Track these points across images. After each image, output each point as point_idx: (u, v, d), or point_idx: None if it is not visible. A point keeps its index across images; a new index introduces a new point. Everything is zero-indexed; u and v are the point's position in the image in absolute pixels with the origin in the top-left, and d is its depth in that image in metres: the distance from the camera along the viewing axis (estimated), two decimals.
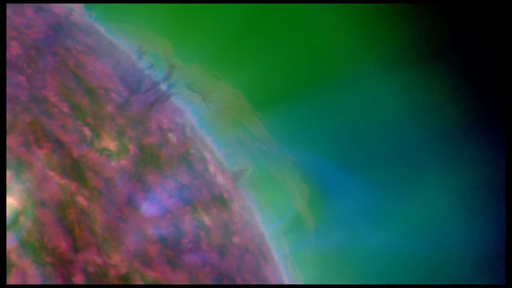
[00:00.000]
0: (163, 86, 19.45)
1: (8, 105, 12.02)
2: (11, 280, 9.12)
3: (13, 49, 14.32)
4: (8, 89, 12.43)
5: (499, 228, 29.50)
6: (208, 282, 14.00)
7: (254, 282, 17.29)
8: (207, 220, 16.71)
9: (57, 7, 19.87)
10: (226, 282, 15.00)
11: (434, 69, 31.28)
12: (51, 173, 11.47)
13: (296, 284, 27.04)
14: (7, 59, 13.51)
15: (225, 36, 37.49)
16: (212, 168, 21.92)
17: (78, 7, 22.93)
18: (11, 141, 11.30)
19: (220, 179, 21.90)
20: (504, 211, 27.92)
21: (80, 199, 11.73)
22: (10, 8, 15.94)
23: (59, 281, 9.83)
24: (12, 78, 13.02)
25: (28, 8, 17.18)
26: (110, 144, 14.14)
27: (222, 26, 37.03)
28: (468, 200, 33.07)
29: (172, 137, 19.27)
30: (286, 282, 24.44)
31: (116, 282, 11.07)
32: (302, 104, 37.52)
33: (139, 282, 11.64)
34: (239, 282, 15.90)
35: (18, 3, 16.84)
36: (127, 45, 25.32)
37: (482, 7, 27.05)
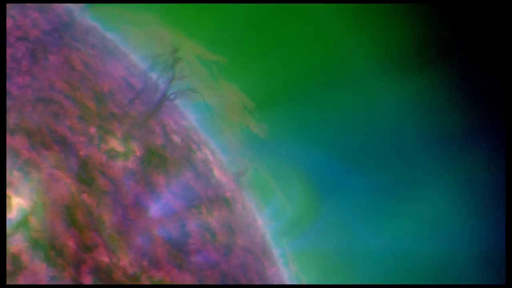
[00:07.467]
0: (167, 88, 19.46)
1: (15, 106, 12.02)
2: (21, 280, 9.15)
3: (18, 49, 14.31)
4: (15, 90, 12.44)
5: (500, 229, 29.66)
6: (213, 282, 14.05)
7: (258, 282, 17.35)
8: (211, 220, 16.77)
9: (59, 7, 19.85)
10: (231, 282, 15.05)
11: (435, 72, 31.42)
12: (59, 174, 11.48)
13: (296, 284, 27.08)
14: (12, 59, 13.51)
15: (227, 37, 37.58)
16: (214, 168, 21.99)
17: (79, 7, 22.91)
18: (19, 142, 11.31)
19: (222, 179, 21.97)
20: (504, 212, 28.07)
21: (88, 199, 11.75)
22: (14, 9, 15.94)
23: (67, 281, 9.86)
24: (19, 79, 13.02)
25: (31, 9, 17.17)
26: (116, 145, 14.17)
27: (225, 27, 37.09)
28: (469, 202, 33.22)
29: (176, 139, 19.31)
30: (287, 282, 24.50)
31: (124, 282, 11.12)
32: (304, 105, 37.66)
33: (146, 282, 11.68)
34: (243, 282, 15.95)
35: (21, 3, 16.83)
36: (129, 45, 25.32)
37: (482, 10, 27.18)
